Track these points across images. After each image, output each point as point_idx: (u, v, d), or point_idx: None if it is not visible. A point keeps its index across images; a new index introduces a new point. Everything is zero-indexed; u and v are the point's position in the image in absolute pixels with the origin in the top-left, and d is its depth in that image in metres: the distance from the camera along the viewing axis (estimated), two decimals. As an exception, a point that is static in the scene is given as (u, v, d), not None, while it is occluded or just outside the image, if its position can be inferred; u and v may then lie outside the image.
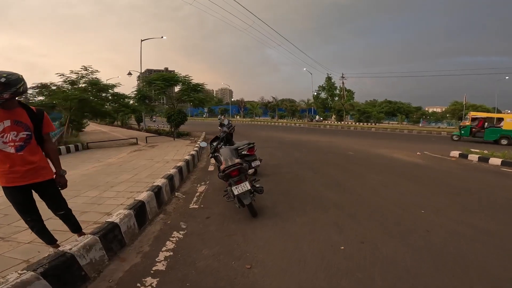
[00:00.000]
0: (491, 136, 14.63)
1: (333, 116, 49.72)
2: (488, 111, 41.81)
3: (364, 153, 9.83)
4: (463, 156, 8.93)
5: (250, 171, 4.01)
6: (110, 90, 13.91)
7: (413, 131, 21.90)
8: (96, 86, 12.99)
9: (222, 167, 3.63)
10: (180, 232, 3.38)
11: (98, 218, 3.50)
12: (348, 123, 39.11)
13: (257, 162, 5.66)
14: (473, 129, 15.42)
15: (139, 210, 3.39)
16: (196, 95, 16.37)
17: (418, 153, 9.85)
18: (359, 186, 5.38)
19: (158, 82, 15.23)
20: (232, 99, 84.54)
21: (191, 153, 7.42)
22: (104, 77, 15.45)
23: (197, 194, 4.90)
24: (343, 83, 53.25)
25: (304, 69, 48.50)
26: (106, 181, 5.48)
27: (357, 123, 39.19)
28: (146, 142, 13.17)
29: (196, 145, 9.94)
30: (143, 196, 3.73)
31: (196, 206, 4.30)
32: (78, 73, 12.71)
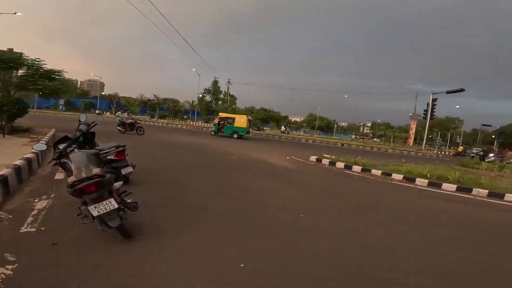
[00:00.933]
0: (228, 131, 20.24)
1: (215, 120, 51.19)
2: (329, 122, 55.08)
3: (245, 157, 10.40)
4: (319, 160, 11.02)
5: (117, 184, 3.09)
6: None
7: (281, 137, 25.60)
8: None
9: (70, 179, 2.61)
10: (6, 267, 2.27)
11: None
12: None
13: (129, 169, 4.75)
14: (220, 127, 20.64)
15: None
16: (46, 84, 12.65)
17: (287, 157, 11.40)
18: (246, 193, 5.43)
19: None
20: (103, 93, 71.96)
21: (26, 155, 5.43)
22: None
23: (34, 212, 3.54)
24: (228, 87, 55.94)
25: (194, 70, 47.59)
26: None
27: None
28: None
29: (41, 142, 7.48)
30: None
31: (33, 230, 3.07)
32: None
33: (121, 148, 4.64)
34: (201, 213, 4.01)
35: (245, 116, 21.14)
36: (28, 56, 12.36)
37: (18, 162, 4.65)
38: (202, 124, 42.04)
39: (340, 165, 10.16)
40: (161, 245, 2.94)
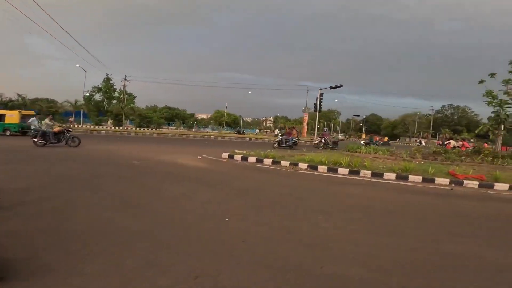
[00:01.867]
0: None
1: (110, 121, 44.49)
2: (235, 118, 57.21)
3: (150, 161, 9.25)
4: (231, 157, 10.99)
5: None
6: None
7: (189, 136, 24.49)
8: None
9: None
10: None
11: None
12: (127, 128, 36.50)
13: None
14: None
15: None
16: None
17: (199, 157, 10.88)
18: (159, 203, 4.65)
19: None
20: None
21: None
22: None
23: None
24: (124, 85, 49.06)
25: (77, 65, 38.67)
26: None
27: (138, 128, 37.66)
28: None
29: None
30: None
31: None
32: None
33: None
34: (108, 235, 3.16)
35: (16, 112, 18.87)
36: None
37: None
38: (91, 126, 35.62)
39: (252, 159, 10.44)
40: (45, 285, 2.12)
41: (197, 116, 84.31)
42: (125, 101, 47.01)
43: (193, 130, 50.57)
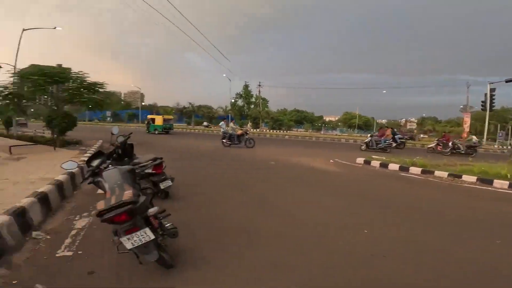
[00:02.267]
0: (151, 129, 24.14)
1: (249, 124, 51.28)
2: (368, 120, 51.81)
3: (285, 163, 9.73)
4: (367, 162, 9.90)
5: (152, 210, 2.46)
6: None
7: (319, 138, 24.31)
8: None
9: (98, 206, 2.20)
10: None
11: None
12: (263, 130, 40.81)
13: (168, 183, 4.40)
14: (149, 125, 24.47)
15: None
16: (90, 96, 13.22)
17: (331, 161, 10.47)
18: (295, 207, 4.74)
19: (35, 78, 11.60)
20: (144, 103, 76.83)
21: (70, 170, 5.40)
22: None
23: (73, 232, 3.29)
24: (259, 91, 55.86)
25: (224, 75, 47.95)
26: None
27: (271, 130, 41.33)
28: (10, 153, 9.60)
29: (84, 157, 7.63)
30: None
31: (70, 253, 2.79)
32: None
33: (158, 161, 4.31)
34: (252, 235, 3.45)
35: (161, 116, 25.79)
36: (72, 70, 12.93)
37: (60, 177, 4.57)
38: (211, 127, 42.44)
39: (393, 167, 8.96)
40: (203, 277, 2.48)
41: (324, 118, 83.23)
42: (260, 106, 53.04)
43: (322, 132, 50.21)
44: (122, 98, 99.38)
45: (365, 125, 67.99)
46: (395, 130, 19.95)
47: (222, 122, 15.18)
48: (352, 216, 4.29)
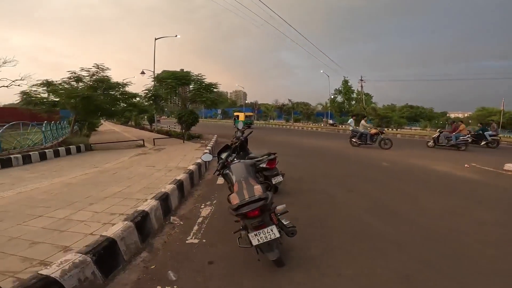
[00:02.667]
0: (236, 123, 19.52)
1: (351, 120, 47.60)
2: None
3: (402, 164, 8.32)
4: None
5: (280, 207, 2.59)
6: (120, 88, 13.19)
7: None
8: (103, 84, 12.18)
9: (233, 200, 2.32)
10: (167, 288, 2.20)
11: (46, 257, 2.43)
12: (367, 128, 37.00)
13: (279, 178, 4.41)
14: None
15: (105, 251, 2.28)
16: (208, 95, 15.31)
17: (466, 165, 8.23)
18: (417, 213, 3.97)
19: (169, 81, 14.33)
20: (246, 101, 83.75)
21: (197, 161, 6.24)
22: (121, 77, 14.90)
23: (199, 220, 3.70)
24: (361, 86, 51.32)
25: (321, 71, 46.40)
26: (89, 195, 4.39)
27: (377, 129, 36.92)
28: (154, 145, 12.20)
29: (206, 150, 8.81)
30: (116, 229, 2.58)
31: (196, 241, 3.10)
32: (89, 71, 12.15)
33: (272, 156, 4.34)
34: (364, 239, 3.09)
35: (243, 113, 28.59)
36: (192, 73, 15.16)
37: (191, 167, 5.31)
38: (337, 126, 40.13)
39: None
40: (310, 280, 2.32)
41: (449, 114, 67.91)
42: (363, 101, 48.26)
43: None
44: (228, 97, 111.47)
45: (509, 123, 51.04)
46: (486, 125, 14.93)
47: (351, 119, 14.33)
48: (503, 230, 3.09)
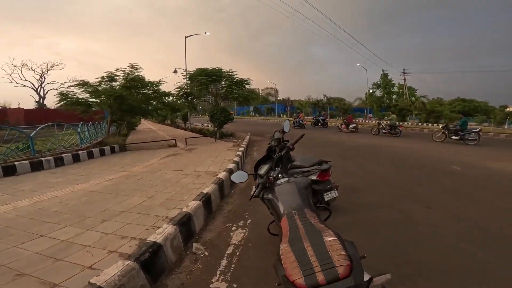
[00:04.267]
0: None
1: (394, 116, 43.74)
2: None
3: (476, 168, 6.66)
4: None
5: (381, 277, 1.42)
6: (154, 87, 13.16)
7: (499, 135, 16.66)
8: (136, 82, 12.11)
9: (288, 266, 1.21)
10: None
11: None
12: (413, 123, 33.41)
13: (333, 193, 3.37)
14: None
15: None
16: (240, 92, 14.59)
17: None
18: None
19: (200, 78, 13.86)
20: (278, 98, 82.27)
21: (229, 166, 5.41)
22: (159, 77, 14.90)
23: (229, 250, 2.82)
24: (404, 79, 47.37)
25: (358, 64, 43.29)
26: (105, 207, 3.79)
27: (425, 124, 33.17)
28: (186, 144, 11.78)
29: (236, 155, 7.97)
30: (113, 272, 1.79)
31: (224, 285, 2.23)
32: (124, 70, 12.26)
33: (326, 166, 3.30)
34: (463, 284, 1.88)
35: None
36: (224, 69, 14.46)
37: (221, 175, 4.48)
38: (374, 121, 36.97)
39: None
40: None
41: (509, 108, 59.10)
42: (407, 95, 44.06)
43: (505, 127, 35.69)
44: (260, 94, 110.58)
45: None
46: None
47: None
48: None
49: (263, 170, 2.31)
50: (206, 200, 3.41)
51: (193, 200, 3.28)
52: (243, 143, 10.57)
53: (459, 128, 11.96)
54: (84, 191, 4.81)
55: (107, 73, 12.02)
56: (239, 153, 7.55)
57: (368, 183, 5.24)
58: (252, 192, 2.21)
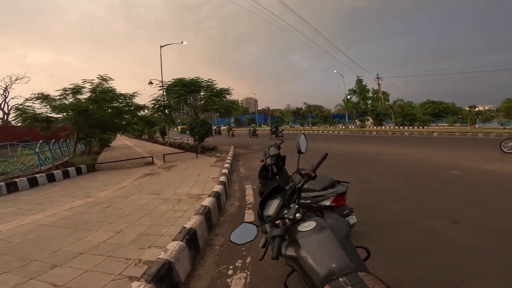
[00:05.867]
0: None
1: (370, 121, 44.91)
2: None
3: (475, 172, 6.37)
4: None
5: None
6: (126, 100, 12.05)
7: (490, 135, 17.24)
8: (105, 95, 10.99)
9: None
10: None
11: None
12: (386, 127, 34.32)
13: (352, 219, 2.69)
14: None
15: None
16: (220, 102, 13.82)
17: None
18: None
19: (176, 89, 12.99)
20: (258, 108, 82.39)
21: (215, 189, 4.60)
22: (135, 90, 13.75)
23: (229, 307, 2.04)
24: (378, 84, 49.35)
25: (335, 71, 44.42)
26: (58, 247, 2.90)
27: (401, 127, 34.19)
28: (164, 161, 10.76)
29: (224, 168, 7.15)
30: None
31: None
32: (93, 82, 11.06)
33: (343, 188, 2.62)
34: None
35: None
36: (202, 79, 13.69)
37: (207, 202, 3.67)
38: (353, 127, 37.60)
39: None
40: None
41: (474, 108, 63.03)
42: (382, 100, 45.73)
43: (476, 126, 37.61)
44: (240, 105, 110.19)
45: None
46: None
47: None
48: None
49: (271, 209, 1.59)
50: (191, 237, 2.61)
51: (174, 240, 2.46)
52: (228, 157, 9.78)
53: None
54: (35, 224, 3.82)
55: (72, 85, 10.83)
56: (225, 170, 6.75)
57: (376, 197, 4.66)
58: (262, 244, 1.46)
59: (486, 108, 62.98)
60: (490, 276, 2.22)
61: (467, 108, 58.78)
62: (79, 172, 9.02)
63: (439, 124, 44.10)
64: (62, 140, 12.10)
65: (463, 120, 46.80)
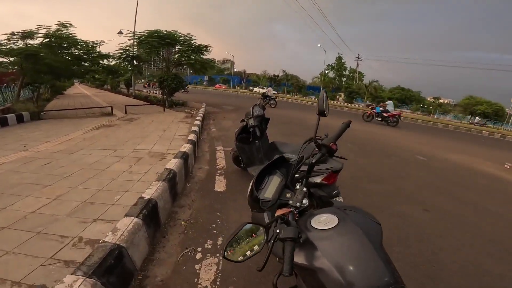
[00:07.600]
0: None
1: (342, 97, 45.85)
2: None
3: (439, 159, 6.63)
4: None
5: None
6: (88, 48, 10.85)
7: (449, 126, 18.45)
8: (62, 40, 9.81)
9: None
10: None
11: None
12: (357, 106, 35.34)
13: (340, 200, 2.44)
14: None
15: None
16: (197, 58, 12.81)
17: (506, 166, 6.76)
18: None
19: (149, 39, 11.66)
20: (234, 70, 79.10)
21: (182, 148, 4.03)
22: (105, 43, 12.00)
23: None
24: (357, 64, 49.76)
25: (319, 45, 43.61)
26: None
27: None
28: (125, 113, 9.67)
29: (194, 124, 6.47)
30: None
31: None
32: (50, 28, 9.71)
33: (339, 165, 2.28)
34: None
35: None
36: (180, 33, 12.52)
37: (173, 165, 3.13)
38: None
39: None
40: None
41: (438, 100, 67.42)
42: (357, 79, 46.67)
43: (434, 116, 40.56)
44: (216, 65, 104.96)
45: (496, 114, 50.58)
46: None
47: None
48: None
49: (270, 190, 1.15)
50: (150, 212, 2.12)
51: (127, 216, 1.95)
52: (198, 114, 9.06)
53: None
54: None
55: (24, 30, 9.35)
56: (195, 128, 6.11)
57: (350, 176, 4.52)
58: (261, 265, 0.99)
59: (446, 101, 67.71)
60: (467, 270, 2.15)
61: (430, 99, 62.41)
62: (20, 120, 7.68)
63: (402, 110, 46.73)
64: (5, 85, 10.42)
65: (424, 109, 50.11)
